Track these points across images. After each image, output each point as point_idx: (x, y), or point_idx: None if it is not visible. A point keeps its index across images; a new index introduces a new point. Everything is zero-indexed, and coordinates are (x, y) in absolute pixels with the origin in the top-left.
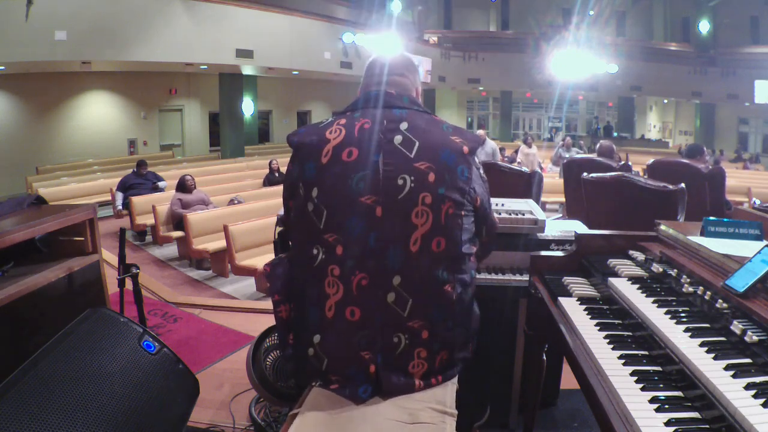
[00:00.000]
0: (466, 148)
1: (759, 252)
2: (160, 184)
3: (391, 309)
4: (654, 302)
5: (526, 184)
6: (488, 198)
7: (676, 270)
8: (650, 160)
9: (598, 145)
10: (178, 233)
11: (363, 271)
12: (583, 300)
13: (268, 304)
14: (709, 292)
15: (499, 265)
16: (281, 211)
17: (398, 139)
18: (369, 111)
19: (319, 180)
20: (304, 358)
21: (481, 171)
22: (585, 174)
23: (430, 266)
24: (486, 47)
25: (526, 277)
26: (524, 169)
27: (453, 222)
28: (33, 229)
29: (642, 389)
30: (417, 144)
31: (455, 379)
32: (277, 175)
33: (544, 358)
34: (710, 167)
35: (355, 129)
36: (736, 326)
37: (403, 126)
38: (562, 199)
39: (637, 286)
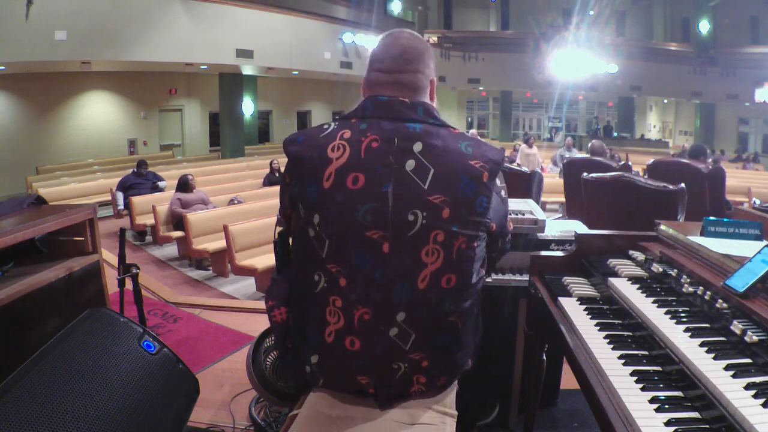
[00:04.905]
0: (486, 174)
1: (759, 252)
2: (160, 183)
3: (393, 342)
4: (654, 302)
5: (526, 184)
6: (505, 214)
7: (676, 270)
8: (650, 160)
9: (589, 145)
10: (178, 233)
11: (366, 306)
12: (583, 300)
13: None
14: (709, 292)
15: (499, 265)
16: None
17: (411, 164)
18: (377, 123)
19: (321, 206)
20: (302, 371)
21: (503, 193)
22: (585, 174)
23: (437, 302)
24: (486, 47)
25: (526, 277)
26: (524, 169)
27: (465, 255)
28: (33, 229)
29: (642, 389)
30: (432, 171)
31: (455, 382)
32: (277, 175)
33: (544, 358)
34: (710, 167)
35: (362, 148)
36: (736, 326)
37: (417, 147)
38: (562, 199)
39: (637, 286)
